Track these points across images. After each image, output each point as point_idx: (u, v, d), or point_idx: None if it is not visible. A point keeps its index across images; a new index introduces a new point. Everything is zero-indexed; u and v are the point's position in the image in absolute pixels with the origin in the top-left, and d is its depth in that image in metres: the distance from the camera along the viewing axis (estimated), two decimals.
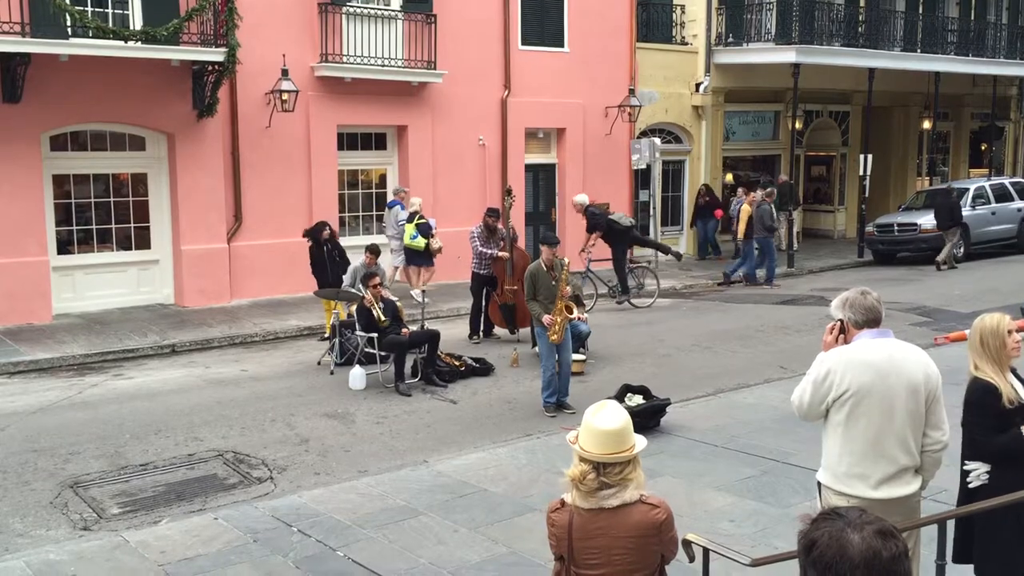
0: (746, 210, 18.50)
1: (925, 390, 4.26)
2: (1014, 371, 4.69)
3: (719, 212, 20.96)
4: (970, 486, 4.66)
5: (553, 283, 10.04)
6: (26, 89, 13.40)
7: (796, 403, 4.52)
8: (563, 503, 3.67)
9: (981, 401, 4.56)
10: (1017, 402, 4.54)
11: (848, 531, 2.02)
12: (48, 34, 13.19)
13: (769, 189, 18.68)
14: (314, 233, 13.43)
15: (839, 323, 4.44)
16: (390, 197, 16.80)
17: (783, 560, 4.35)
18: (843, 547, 2.00)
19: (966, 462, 4.67)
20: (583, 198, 15.86)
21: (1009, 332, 4.60)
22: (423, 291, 13.74)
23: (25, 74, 13.27)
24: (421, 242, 15.14)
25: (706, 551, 4.23)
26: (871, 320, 4.37)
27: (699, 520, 6.57)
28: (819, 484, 4.55)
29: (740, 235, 18.68)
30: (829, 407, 4.38)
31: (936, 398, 4.30)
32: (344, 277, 13.02)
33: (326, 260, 13.34)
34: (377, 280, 11.39)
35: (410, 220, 15.24)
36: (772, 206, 18.21)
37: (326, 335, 13.03)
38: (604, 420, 3.59)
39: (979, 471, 4.61)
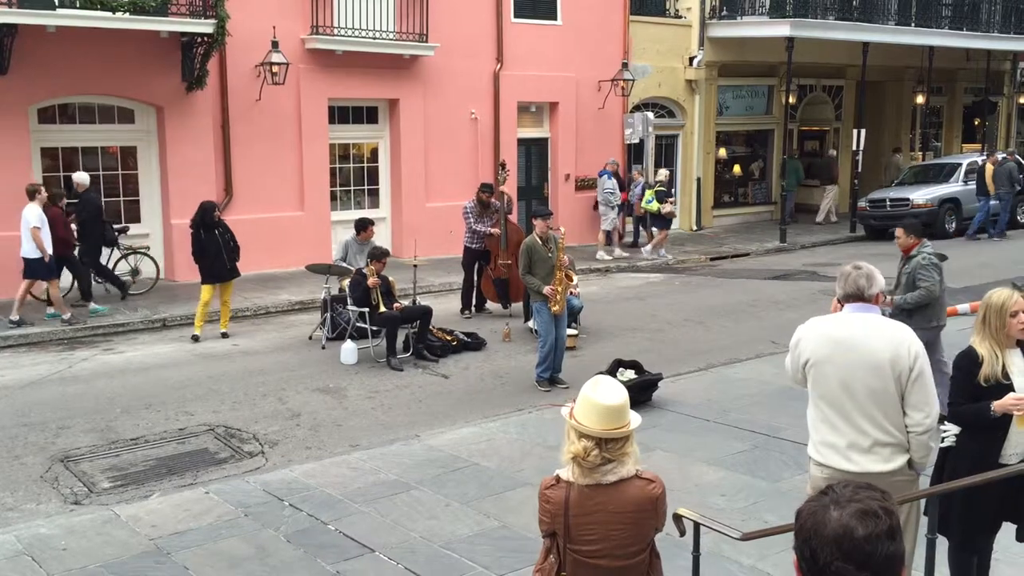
0: (989, 168, 20.35)
1: (893, 370, 4.21)
2: None
3: (623, 195, 19.82)
4: (942, 445, 4.83)
5: (549, 255, 10.02)
6: (13, 61, 13.25)
7: (786, 367, 4.73)
8: (559, 479, 3.63)
9: (961, 365, 4.73)
10: (995, 381, 4.58)
11: (830, 508, 2.02)
12: (35, 5, 13.02)
13: (1011, 149, 21.57)
14: (203, 217, 11.87)
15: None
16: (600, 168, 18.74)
17: (773, 534, 4.37)
18: (819, 523, 2.01)
19: (944, 421, 4.79)
20: (82, 177, 13.69)
21: (1013, 314, 4.63)
22: (659, 249, 18.03)
23: (12, 45, 13.12)
24: (654, 206, 18.03)
25: (697, 525, 4.24)
26: (850, 295, 4.42)
27: (691, 494, 6.60)
28: (810, 458, 4.58)
29: (992, 191, 20.33)
30: (805, 374, 4.50)
31: (915, 379, 4.22)
32: (333, 251, 12.85)
33: (220, 246, 11.85)
34: (384, 259, 11.21)
35: (651, 187, 18.35)
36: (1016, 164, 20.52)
37: (196, 335, 11.87)
38: (605, 395, 3.56)
39: (950, 433, 4.79)
